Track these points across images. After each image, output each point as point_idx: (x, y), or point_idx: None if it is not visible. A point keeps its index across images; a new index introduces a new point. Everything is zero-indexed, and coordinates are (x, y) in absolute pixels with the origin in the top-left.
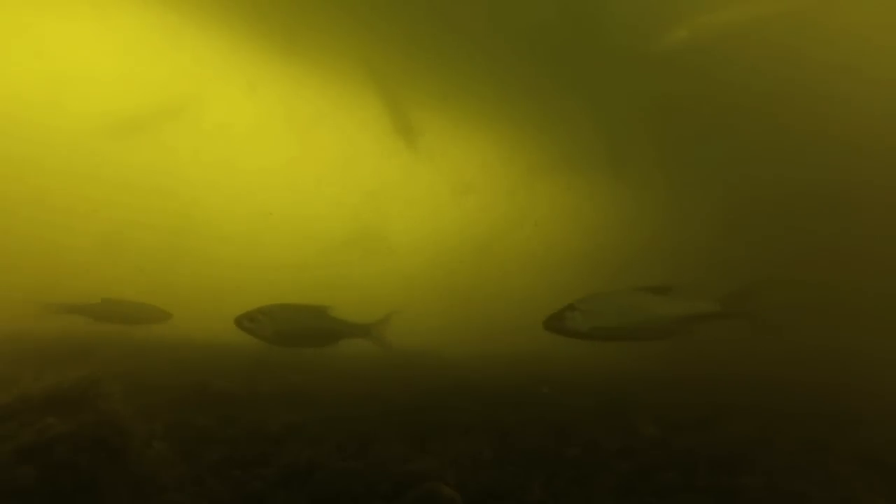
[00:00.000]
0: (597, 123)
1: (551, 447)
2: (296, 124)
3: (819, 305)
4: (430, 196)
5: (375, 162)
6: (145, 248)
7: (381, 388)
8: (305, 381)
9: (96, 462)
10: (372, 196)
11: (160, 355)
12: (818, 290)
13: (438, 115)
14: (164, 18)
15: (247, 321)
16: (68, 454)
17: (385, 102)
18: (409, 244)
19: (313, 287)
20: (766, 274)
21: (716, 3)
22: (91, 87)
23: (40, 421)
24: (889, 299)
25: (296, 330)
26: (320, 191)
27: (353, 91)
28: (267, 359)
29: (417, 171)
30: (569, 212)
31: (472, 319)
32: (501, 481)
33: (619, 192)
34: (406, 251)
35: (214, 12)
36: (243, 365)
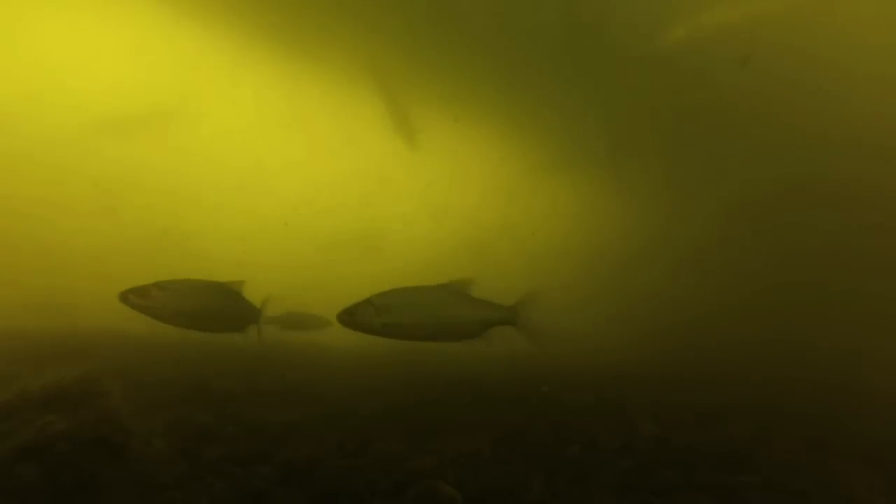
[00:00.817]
0: (598, 123)
1: (551, 445)
2: (297, 123)
3: (819, 305)
4: (430, 195)
5: (376, 161)
6: (145, 248)
7: (380, 386)
8: (305, 379)
9: (96, 459)
10: (372, 195)
11: (160, 353)
12: (818, 290)
13: (440, 114)
14: (167, 16)
15: (135, 296)
16: (68, 452)
17: (386, 102)
18: (408, 243)
19: (313, 286)
20: (767, 274)
21: (717, 3)
22: (93, 85)
23: (40, 418)
24: (889, 298)
25: (202, 310)
26: (320, 190)
27: (355, 90)
28: (267, 356)
29: (418, 171)
30: (569, 211)
31: None
32: (501, 480)
33: (620, 192)
34: (406, 250)
35: (218, 10)
36: (243, 363)
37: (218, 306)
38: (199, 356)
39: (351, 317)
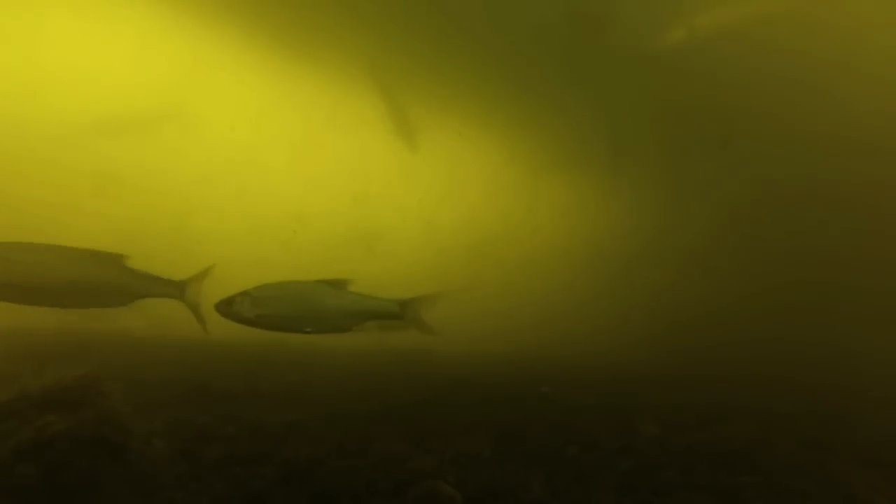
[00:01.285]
0: (599, 123)
1: (551, 446)
2: (297, 123)
3: (819, 305)
4: (430, 195)
5: (376, 161)
6: (146, 247)
7: (381, 387)
8: (305, 379)
9: (96, 460)
10: (372, 195)
11: (160, 353)
12: (818, 290)
13: (440, 114)
14: (167, 15)
15: None
16: (68, 452)
17: (386, 103)
18: (408, 243)
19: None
20: (767, 274)
21: (717, 2)
22: (93, 85)
23: (40, 418)
24: (889, 299)
25: (59, 281)
26: (320, 190)
27: (355, 90)
28: (267, 356)
29: (418, 170)
30: (570, 211)
31: (472, 318)
32: (501, 480)
33: (621, 192)
34: (406, 250)
35: (218, 10)
36: (243, 363)
37: (65, 275)
38: (199, 356)
39: (228, 307)
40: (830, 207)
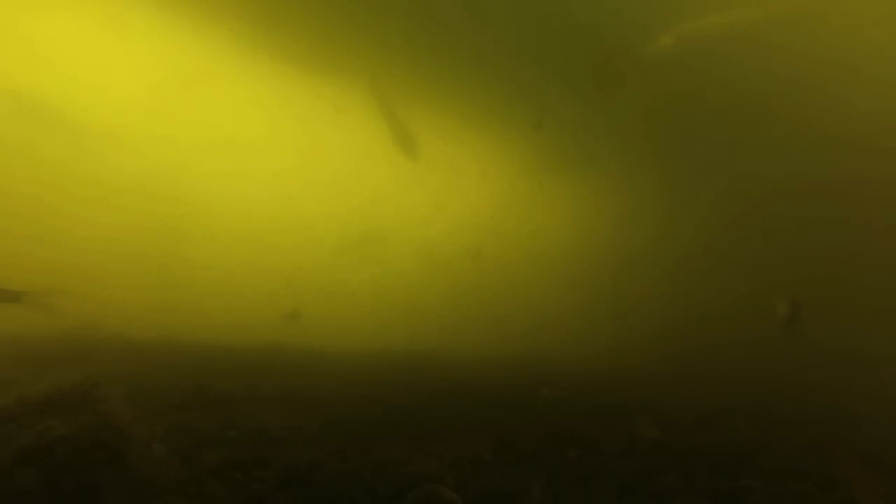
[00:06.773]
0: (597, 124)
1: (551, 449)
2: (296, 129)
3: (819, 307)
4: (430, 199)
5: (375, 166)
6: (146, 252)
7: (381, 390)
8: (305, 384)
9: (96, 464)
10: (372, 200)
11: (160, 358)
12: (818, 289)
13: (439, 119)
14: (169, 22)
15: None
16: (68, 457)
17: (384, 113)
18: (409, 247)
19: (313, 291)
20: (767, 276)
21: (716, 2)
22: (94, 90)
23: (40, 423)
24: (889, 298)
25: None
26: (319, 196)
27: (354, 96)
28: (267, 361)
29: (418, 175)
30: (570, 213)
31: (473, 322)
32: (501, 483)
33: (621, 192)
34: (406, 254)
35: (221, 17)
36: (243, 367)
37: None
38: (200, 361)
39: None
40: (834, 206)
